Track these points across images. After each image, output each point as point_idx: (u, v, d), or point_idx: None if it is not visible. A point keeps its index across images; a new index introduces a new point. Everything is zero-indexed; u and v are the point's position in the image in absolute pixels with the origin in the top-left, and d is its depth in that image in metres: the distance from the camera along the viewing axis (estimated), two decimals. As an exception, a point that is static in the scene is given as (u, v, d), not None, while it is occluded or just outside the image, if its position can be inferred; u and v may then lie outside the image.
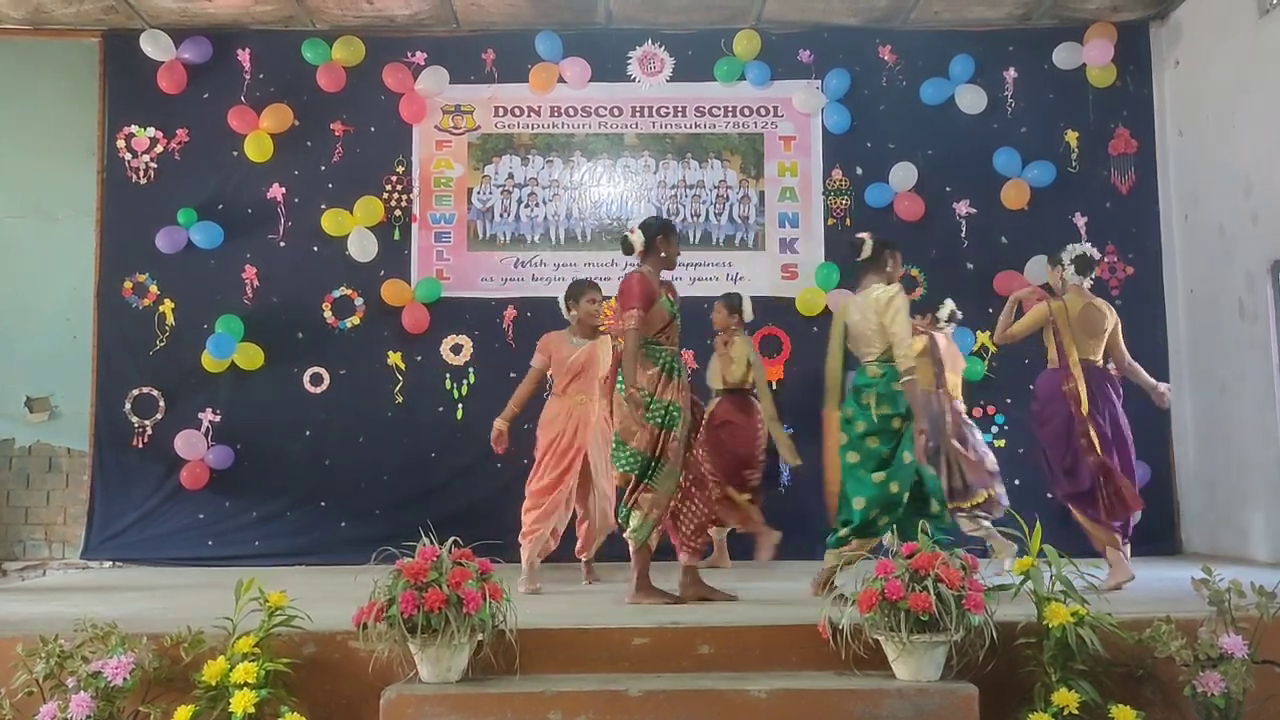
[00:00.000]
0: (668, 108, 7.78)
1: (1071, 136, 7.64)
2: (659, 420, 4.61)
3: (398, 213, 7.62)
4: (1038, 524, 3.67)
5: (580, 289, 5.73)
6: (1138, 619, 3.62)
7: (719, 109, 7.76)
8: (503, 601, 3.51)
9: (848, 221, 7.62)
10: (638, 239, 4.84)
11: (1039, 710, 3.39)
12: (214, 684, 3.42)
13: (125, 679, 3.41)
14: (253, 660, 3.44)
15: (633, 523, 4.65)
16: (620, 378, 4.69)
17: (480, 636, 3.48)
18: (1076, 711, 3.34)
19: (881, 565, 3.55)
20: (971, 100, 7.63)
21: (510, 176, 7.73)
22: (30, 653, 3.52)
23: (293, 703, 3.48)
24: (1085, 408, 5.20)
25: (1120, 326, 5.45)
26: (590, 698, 3.42)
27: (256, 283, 7.51)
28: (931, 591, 3.38)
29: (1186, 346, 7.41)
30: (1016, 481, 6.65)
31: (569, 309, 5.75)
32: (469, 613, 3.39)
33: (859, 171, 7.68)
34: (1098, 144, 7.64)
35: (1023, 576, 3.61)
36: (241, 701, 3.34)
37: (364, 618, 3.45)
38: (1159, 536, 7.20)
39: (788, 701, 3.42)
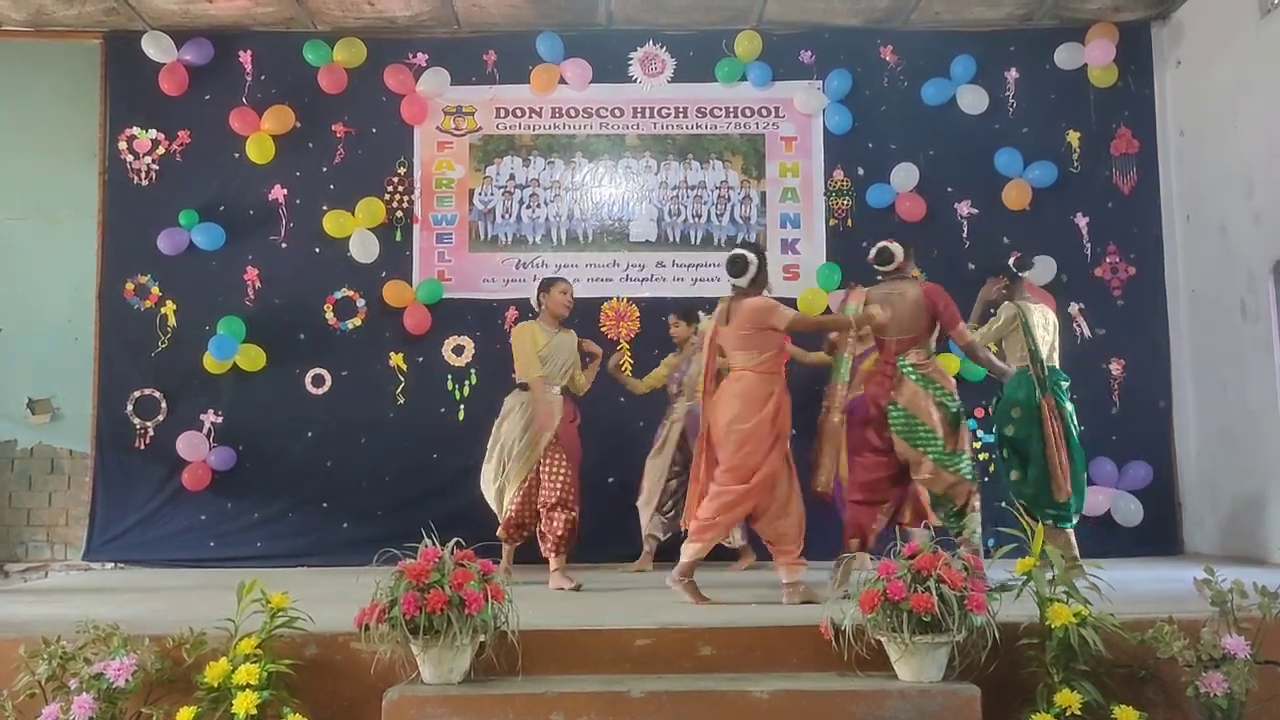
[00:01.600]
0: (669, 109, 7.78)
1: (1073, 137, 7.63)
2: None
3: (399, 214, 7.62)
4: (1039, 525, 3.67)
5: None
6: (1140, 620, 3.61)
7: (720, 110, 7.76)
8: (505, 602, 3.51)
9: (849, 222, 7.62)
10: (898, 250, 5.22)
11: (1041, 711, 3.39)
12: (216, 685, 3.42)
13: (127, 680, 3.41)
14: (255, 662, 3.44)
15: (972, 525, 4.91)
16: (925, 383, 5.00)
17: (482, 638, 3.48)
18: (1079, 712, 3.33)
19: (884, 566, 3.55)
20: (973, 100, 7.62)
21: (512, 177, 7.74)
22: (32, 654, 3.52)
23: (295, 704, 3.48)
24: None
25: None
26: (592, 699, 3.42)
27: (258, 284, 7.52)
28: (934, 592, 3.38)
29: (1189, 346, 7.41)
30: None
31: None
32: (471, 614, 3.39)
33: (860, 172, 7.68)
34: (1099, 144, 7.64)
35: (1025, 577, 3.61)
36: (244, 703, 3.34)
37: (366, 619, 3.45)
38: (1161, 537, 7.21)
39: (790, 702, 3.42)
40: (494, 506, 5.91)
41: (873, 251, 5.36)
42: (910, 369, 5.02)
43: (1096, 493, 7.15)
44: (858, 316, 5.03)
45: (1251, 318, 6.70)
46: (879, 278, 5.43)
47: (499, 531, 5.84)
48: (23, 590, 6.30)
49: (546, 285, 5.99)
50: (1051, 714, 3.37)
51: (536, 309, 5.99)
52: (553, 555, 5.65)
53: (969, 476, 4.98)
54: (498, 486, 5.86)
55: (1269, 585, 3.58)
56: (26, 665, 3.51)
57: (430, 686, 3.47)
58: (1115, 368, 7.41)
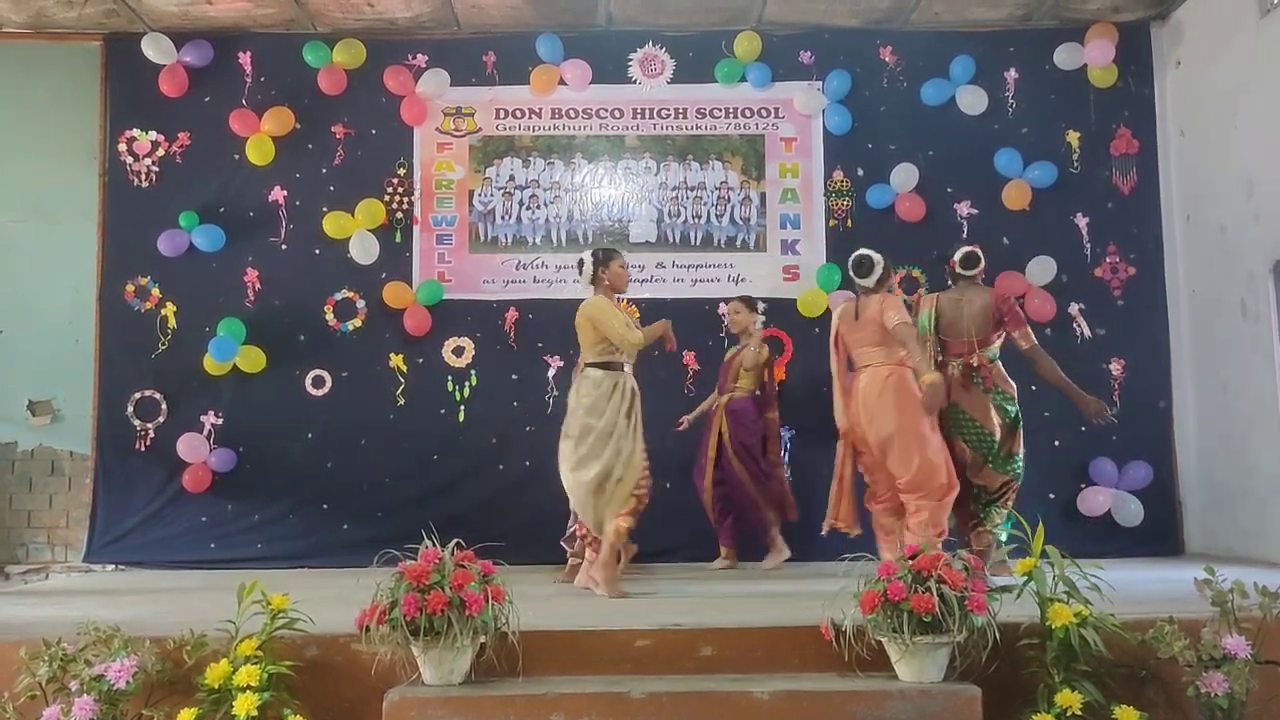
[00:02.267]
0: (669, 109, 7.78)
1: (1073, 137, 7.63)
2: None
3: (399, 215, 7.62)
4: (1040, 525, 3.67)
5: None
6: (1140, 620, 3.61)
7: (720, 110, 7.76)
8: (505, 603, 3.51)
9: (849, 223, 7.62)
10: (980, 256, 5.56)
11: (1042, 711, 3.38)
12: (217, 687, 3.42)
13: (128, 682, 3.41)
14: (255, 663, 3.44)
15: (997, 518, 5.04)
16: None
17: (483, 639, 3.48)
18: (1080, 712, 3.33)
19: (884, 566, 3.55)
20: (972, 101, 7.62)
21: (511, 178, 7.74)
22: (33, 656, 3.52)
23: (295, 705, 3.48)
24: None
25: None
26: (593, 700, 3.42)
27: (258, 285, 7.52)
28: (934, 593, 3.37)
29: (1189, 347, 7.41)
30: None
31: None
32: (471, 615, 3.39)
33: (860, 173, 7.67)
34: (1099, 144, 7.63)
35: (1026, 577, 3.61)
36: (244, 704, 3.34)
37: (366, 620, 3.44)
38: (1161, 537, 7.21)
39: (790, 703, 3.41)
40: (589, 509, 5.12)
41: (958, 255, 5.53)
42: (973, 372, 5.17)
43: (1097, 493, 7.17)
44: (928, 388, 4.92)
45: (1251, 318, 6.70)
46: (949, 281, 5.60)
47: (633, 521, 5.09)
48: (23, 592, 6.30)
49: (605, 259, 5.32)
50: (1052, 714, 3.36)
51: (591, 284, 5.32)
52: (593, 550, 5.18)
53: (1020, 476, 5.20)
54: (597, 479, 5.03)
55: (1269, 585, 3.58)
56: (27, 667, 3.51)
57: (431, 688, 3.47)
58: (1115, 368, 7.41)
